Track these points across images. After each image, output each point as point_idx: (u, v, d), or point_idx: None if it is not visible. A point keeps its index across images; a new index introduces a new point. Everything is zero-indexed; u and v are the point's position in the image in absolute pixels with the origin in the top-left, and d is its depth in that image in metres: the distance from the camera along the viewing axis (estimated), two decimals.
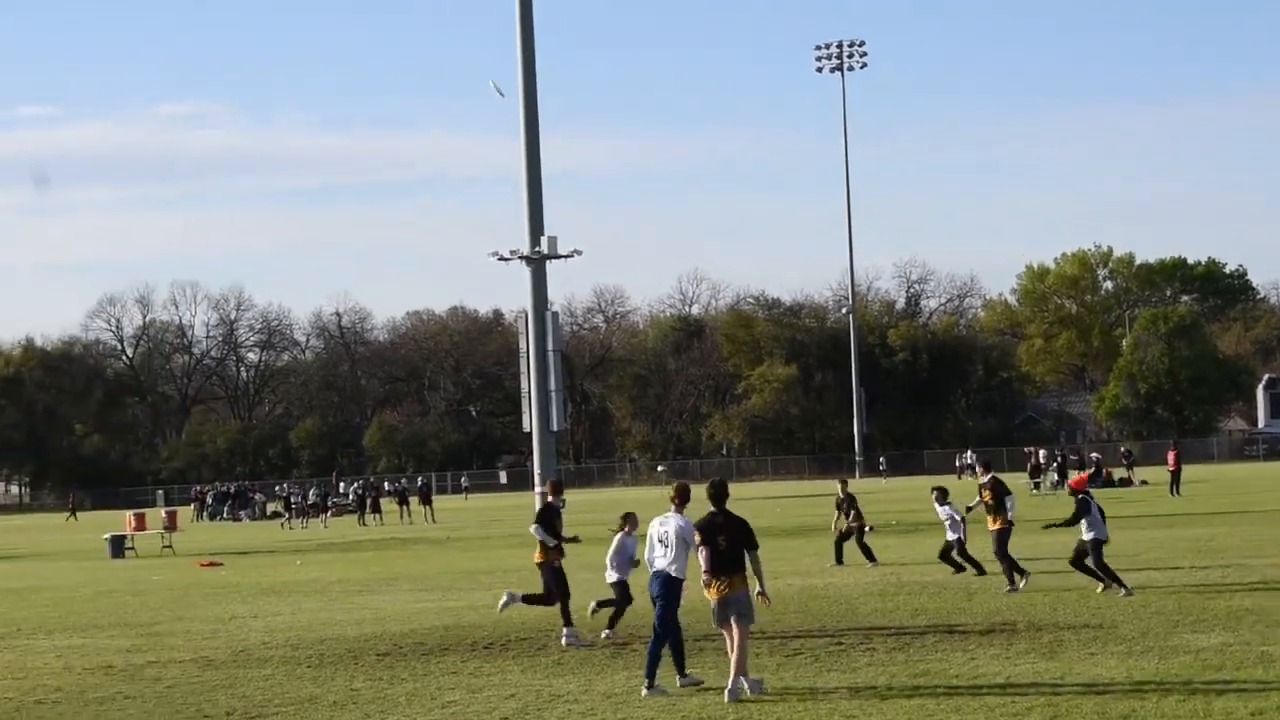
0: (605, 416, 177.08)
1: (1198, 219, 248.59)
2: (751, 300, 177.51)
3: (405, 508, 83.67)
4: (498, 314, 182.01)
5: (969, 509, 31.66)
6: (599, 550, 25.02)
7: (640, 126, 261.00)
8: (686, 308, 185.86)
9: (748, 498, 79.19)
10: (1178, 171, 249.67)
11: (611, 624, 24.43)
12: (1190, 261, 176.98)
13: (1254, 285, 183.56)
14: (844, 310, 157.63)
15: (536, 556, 24.57)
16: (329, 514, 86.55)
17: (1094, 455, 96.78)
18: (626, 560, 24.16)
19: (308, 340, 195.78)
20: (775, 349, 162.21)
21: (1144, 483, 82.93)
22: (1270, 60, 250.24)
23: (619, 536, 24.15)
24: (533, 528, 24.51)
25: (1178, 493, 67.49)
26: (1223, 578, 29.39)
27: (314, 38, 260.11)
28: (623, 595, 24.14)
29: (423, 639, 25.20)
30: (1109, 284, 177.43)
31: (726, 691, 17.97)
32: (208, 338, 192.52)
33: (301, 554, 54.71)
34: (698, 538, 18.37)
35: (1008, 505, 29.36)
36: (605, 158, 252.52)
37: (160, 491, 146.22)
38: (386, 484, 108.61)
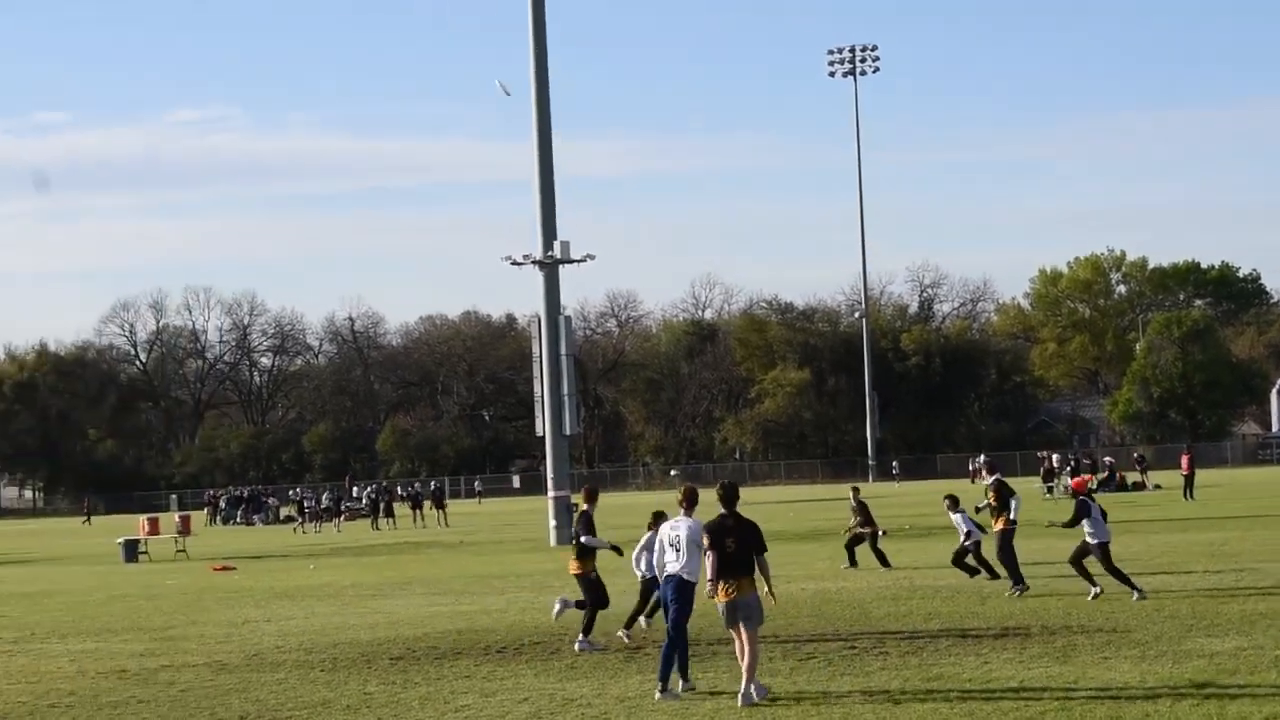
0: (618, 421, 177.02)
1: (1211, 223, 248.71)
2: (764, 304, 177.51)
3: (418, 512, 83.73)
4: (511, 318, 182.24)
5: (978, 510, 31.65)
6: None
7: (653, 131, 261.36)
8: (699, 312, 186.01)
9: (760, 502, 79.12)
10: (1191, 175, 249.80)
11: (629, 623, 24.51)
12: (1204, 265, 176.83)
13: (1267, 289, 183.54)
14: (857, 314, 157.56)
15: (573, 568, 24.45)
16: (342, 518, 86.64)
17: (1107, 459, 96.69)
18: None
19: (321, 345, 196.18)
20: (788, 353, 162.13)
21: (1157, 487, 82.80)
22: None
23: (649, 534, 24.21)
24: (584, 539, 24.29)
25: (1191, 497, 67.39)
26: (1236, 582, 29.34)
27: (326, 43, 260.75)
28: (649, 592, 24.20)
29: (436, 643, 25.20)
30: (1122, 288, 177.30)
31: (740, 696, 17.97)
32: (221, 342, 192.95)
33: (315, 558, 54.74)
34: (706, 540, 18.38)
35: (1012, 505, 29.39)
36: (618, 162, 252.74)
37: (174, 496, 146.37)
38: (399, 488, 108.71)
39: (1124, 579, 27.09)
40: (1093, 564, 27.51)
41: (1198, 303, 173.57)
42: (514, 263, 60.58)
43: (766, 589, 18.50)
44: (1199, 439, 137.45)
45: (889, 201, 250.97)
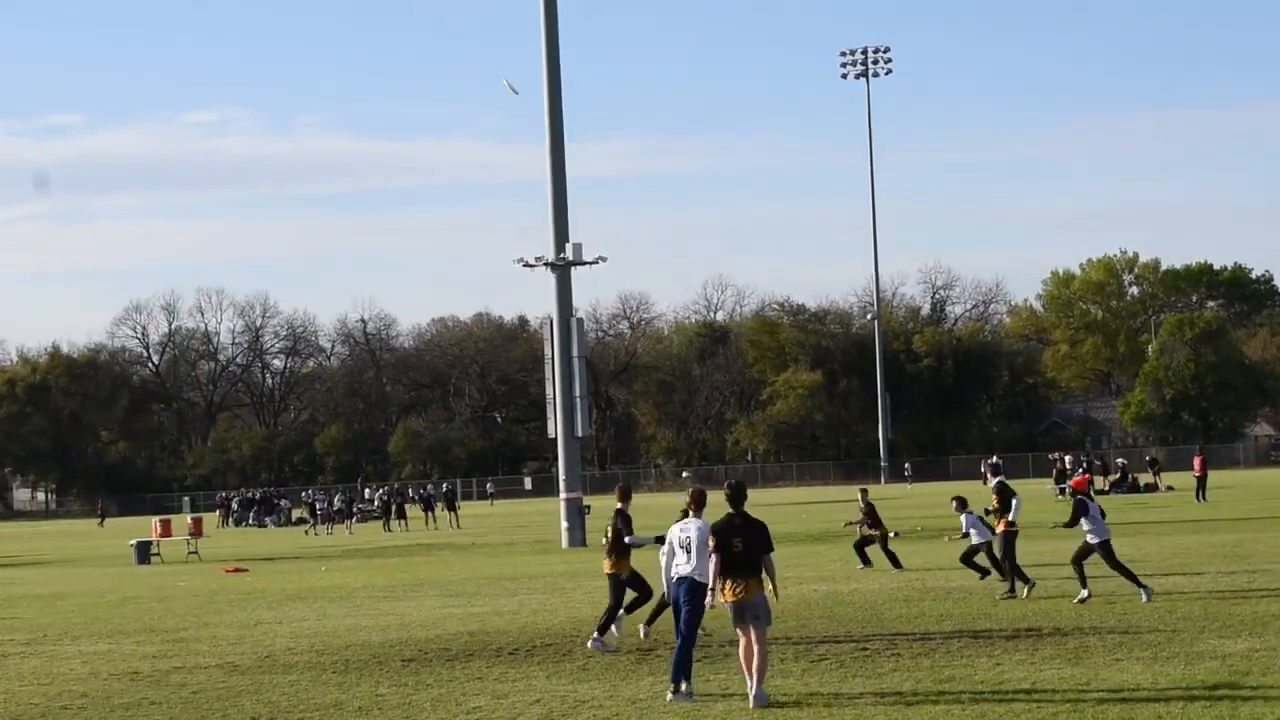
0: (630, 422, 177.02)
1: (1224, 224, 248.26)
2: (776, 306, 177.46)
3: (430, 514, 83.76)
4: (523, 320, 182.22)
5: (988, 512, 31.64)
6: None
7: (665, 133, 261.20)
8: (711, 314, 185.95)
9: (773, 504, 79.12)
10: (1205, 177, 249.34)
11: (651, 620, 24.60)
12: (1216, 267, 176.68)
13: None
14: (869, 316, 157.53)
15: (607, 567, 24.44)
16: (354, 520, 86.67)
17: (1119, 460, 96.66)
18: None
19: (333, 347, 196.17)
20: (800, 355, 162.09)
21: (1170, 488, 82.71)
22: None
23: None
24: (629, 539, 24.32)
25: (1203, 498, 67.36)
26: (1249, 583, 29.32)
27: (334, 45, 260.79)
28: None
29: (448, 645, 25.21)
30: (1134, 289, 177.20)
31: (751, 697, 17.96)
32: (233, 344, 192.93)
33: (327, 560, 54.75)
34: (711, 541, 18.39)
35: (1013, 506, 29.43)
36: (632, 164, 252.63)
37: (186, 498, 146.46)
38: (411, 490, 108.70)
39: (1131, 577, 27.09)
40: (1097, 565, 27.46)
41: (1210, 304, 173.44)
42: (526, 264, 60.59)
43: (771, 588, 18.47)
44: (1211, 440, 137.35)
45: (901, 203, 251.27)
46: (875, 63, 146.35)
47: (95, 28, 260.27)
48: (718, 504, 18.66)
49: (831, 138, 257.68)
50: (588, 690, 19.74)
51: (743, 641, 18.30)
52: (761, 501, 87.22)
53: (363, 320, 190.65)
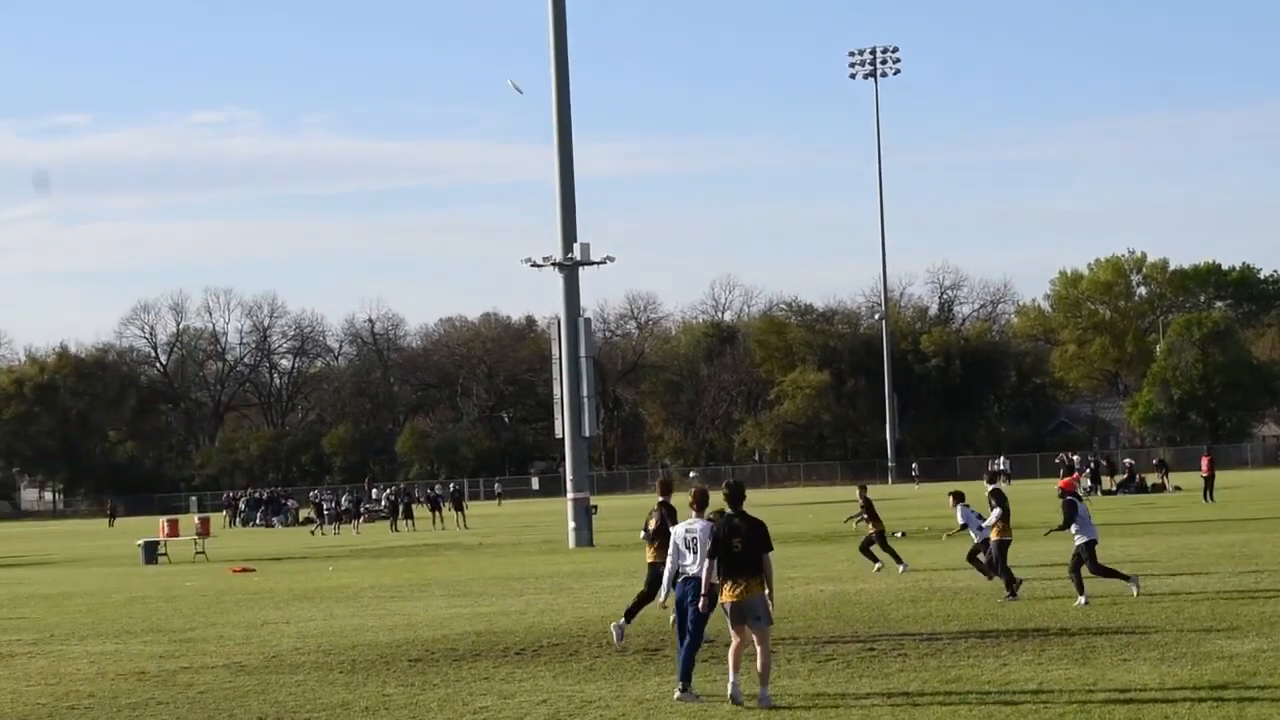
0: (637, 422, 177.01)
1: (1232, 224, 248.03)
2: (784, 306, 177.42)
3: (437, 514, 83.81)
4: (530, 320, 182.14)
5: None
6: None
7: (673, 133, 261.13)
8: (719, 314, 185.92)
9: (780, 504, 79.19)
10: (1213, 177, 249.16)
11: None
12: (1224, 267, 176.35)
13: None
14: (876, 316, 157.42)
15: (650, 555, 24.45)
16: (361, 520, 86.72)
17: (1127, 460, 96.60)
18: None
19: (340, 347, 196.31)
20: (808, 355, 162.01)
21: (1177, 488, 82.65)
22: None
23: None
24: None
25: (1211, 499, 67.30)
26: (1256, 583, 29.30)
27: (345, 45, 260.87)
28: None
29: (455, 645, 25.21)
30: (1142, 290, 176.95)
31: (758, 698, 17.95)
32: (241, 344, 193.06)
33: (334, 560, 54.78)
34: (709, 543, 18.39)
35: (992, 516, 29.50)
36: (639, 163, 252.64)
37: (193, 498, 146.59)
38: (418, 490, 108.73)
39: (1112, 574, 27.16)
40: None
41: (1218, 304, 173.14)
42: (534, 265, 60.59)
43: (767, 590, 18.40)
44: (1219, 441, 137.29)
45: (909, 203, 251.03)
46: (884, 63, 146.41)
47: (101, 28, 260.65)
48: (717, 503, 18.66)
49: (840, 138, 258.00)
50: (594, 690, 19.74)
51: (735, 641, 18.23)
52: (768, 501, 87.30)
53: (370, 320, 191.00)
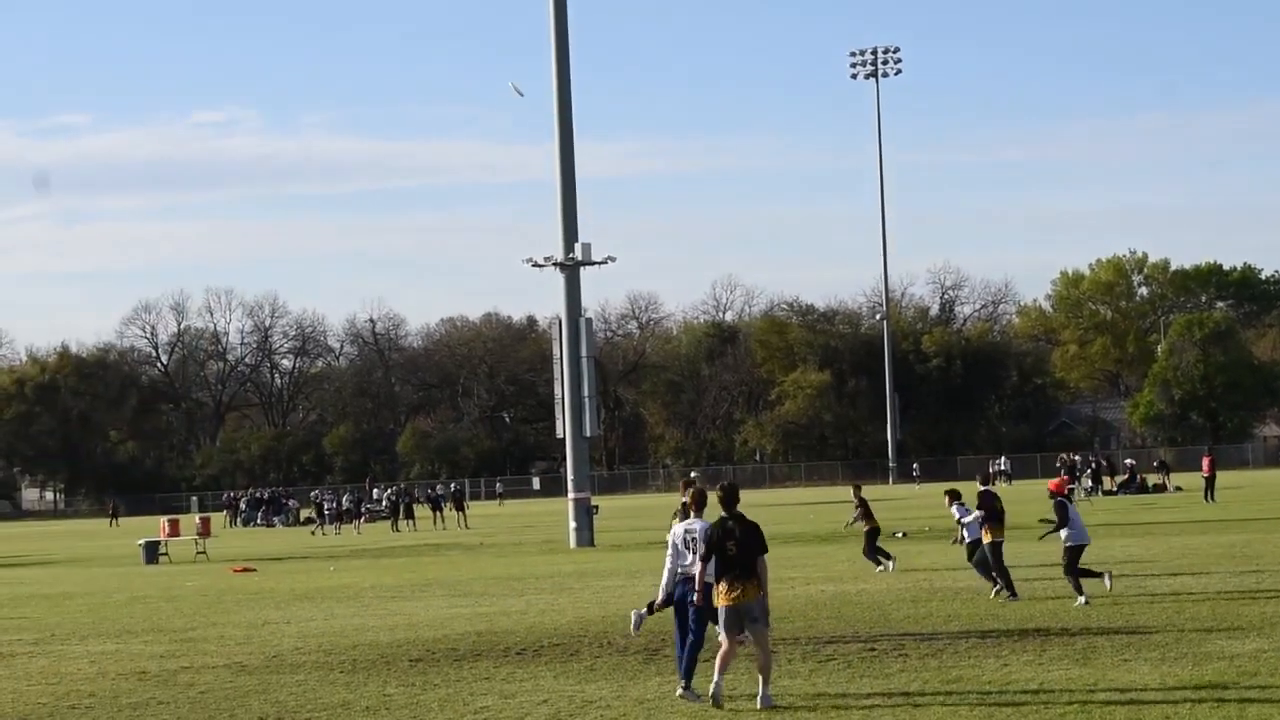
0: (638, 423, 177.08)
1: (1232, 224, 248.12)
2: (785, 306, 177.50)
3: (438, 514, 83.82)
4: (531, 320, 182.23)
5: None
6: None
7: (674, 132, 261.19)
8: (720, 314, 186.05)
9: (781, 504, 79.21)
10: (1213, 177, 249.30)
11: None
12: (1225, 267, 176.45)
13: None
14: (878, 316, 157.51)
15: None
16: (362, 520, 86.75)
17: (1128, 461, 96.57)
18: None
19: (342, 347, 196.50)
20: (809, 355, 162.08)
21: (1178, 489, 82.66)
22: None
23: None
24: None
25: (1212, 499, 67.30)
26: (1257, 584, 29.29)
27: (345, 45, 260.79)
28: None
29: (455, 645, 25.21)
30: (1144, 290, 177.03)
31: (759, 699, 17.94)
32: (242, 344, 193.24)
33: (335, 560, 54.80)
34: (703, 547, 18.40)
35: (972, 516, 29.59)
36: (640, 164, 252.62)
37: (194, 498, 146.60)
38: (419, 490, 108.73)
39: (1085, 574, 27.16)
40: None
41: (1219, 305, 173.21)
42: (535, 264, 60.61)
43: (761, 592, 18.36)
44: (1220, 441, 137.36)
45: (910, 203, 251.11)
46: (885, 63, 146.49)
47: (101, 28, 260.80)
48: (714, 504, 18.68)
49: (840, 138, 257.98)
50: (595, 690, 19.74)
51: (726, 647, 18.14)
52: (769, 502, 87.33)
53: (371, 320, 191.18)
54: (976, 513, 29.45)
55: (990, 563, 28.81)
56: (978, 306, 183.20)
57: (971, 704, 17.54)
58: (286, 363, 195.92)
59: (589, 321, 61.35)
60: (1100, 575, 27.47)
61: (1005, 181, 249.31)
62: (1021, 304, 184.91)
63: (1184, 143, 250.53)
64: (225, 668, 23.62)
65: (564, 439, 60.68)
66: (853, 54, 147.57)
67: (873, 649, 22.35)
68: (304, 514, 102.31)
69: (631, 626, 23.95)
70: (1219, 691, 17.56)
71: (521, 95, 66.27)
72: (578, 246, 59.35)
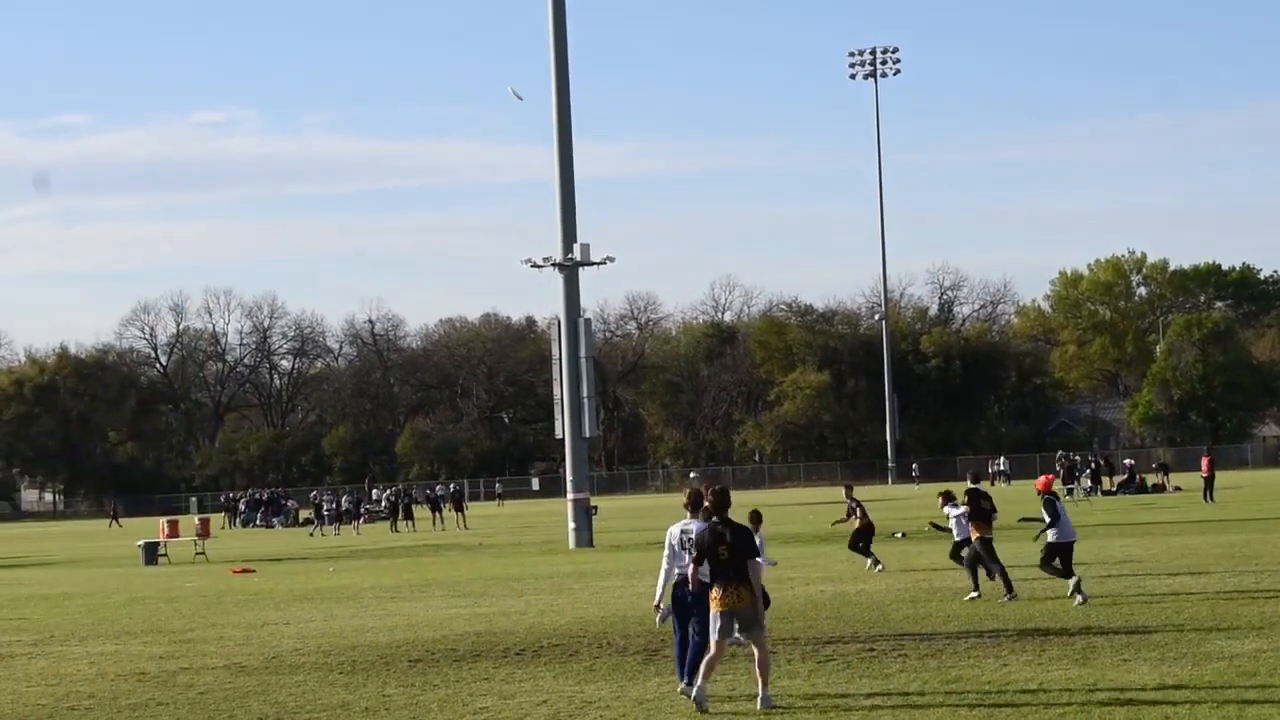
0: (638, 423, 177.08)
1: (1232, 224, 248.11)
2: (784, 307, 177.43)
3: (438, 514, 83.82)
4: (530, 321, 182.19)
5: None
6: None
7: (673, 133, 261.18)
8: (719, 314, 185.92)
9: (780, 504, 79.08)
10: (1212, 177, 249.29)
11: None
12: (1224, 267, 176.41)
13: None
14: (876, 317, 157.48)
15: None
16: (361, 521, 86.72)
17: (1127, 461, 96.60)
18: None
19: (341, 347, 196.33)
20: (808, 355, 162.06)
21: (1177, 489, 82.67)
22: None
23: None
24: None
25: (1211, 499, 67.30)
26: (1256, 584, 29.29)
27: (345, 46, 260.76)
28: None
29: (455, 645, 25.21)
30: (1143, 290, 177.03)
31: (759, 699, 17.94)
32: (241, 345, 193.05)
33: (334, 561, 54.81)
34: (694, 550, 18.40)
35: (959, 523, 29.73)
36: (639, 164, 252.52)
37: (193, 499, 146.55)
38: (418, 490, 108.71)
39: (1054, 575, 27.22)
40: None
41: (1218, 305, 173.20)
42: (534, 265, 60.62)
43: (755, 596, 18.33)
44: (1219, 441, 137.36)
45: (909, 203, 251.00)
46: (884, 63, 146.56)
47: (101, 28, 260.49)
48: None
49: (840, 138, 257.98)
50: (595, 691, 19.74)
51: (713, 652, 18.10)
52: (769, 502, 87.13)
53: (370, 321, 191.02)
54: (962, 508, 29.52)
55: (983, 561, 28.77)
56: (977, 307, 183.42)
57: (971, 704, 17.54)
58: (285, 363, 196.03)
59: (588, 322, 61.37)
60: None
61: (1005, 181, 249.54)
62: (1020, 304, 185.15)
63: (1184, 143, 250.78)
64: (225, 669, 23.63)
65: (563, 439, 60.69)
66: (852, 54, 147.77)
67: (872, 649, 22.35)
68: (303, 515, 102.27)
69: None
70: (1218, 691, 17.57)
71: (520, 100, 66.68)
72: (577, 247, 59.37)
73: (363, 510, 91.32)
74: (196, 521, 74.69)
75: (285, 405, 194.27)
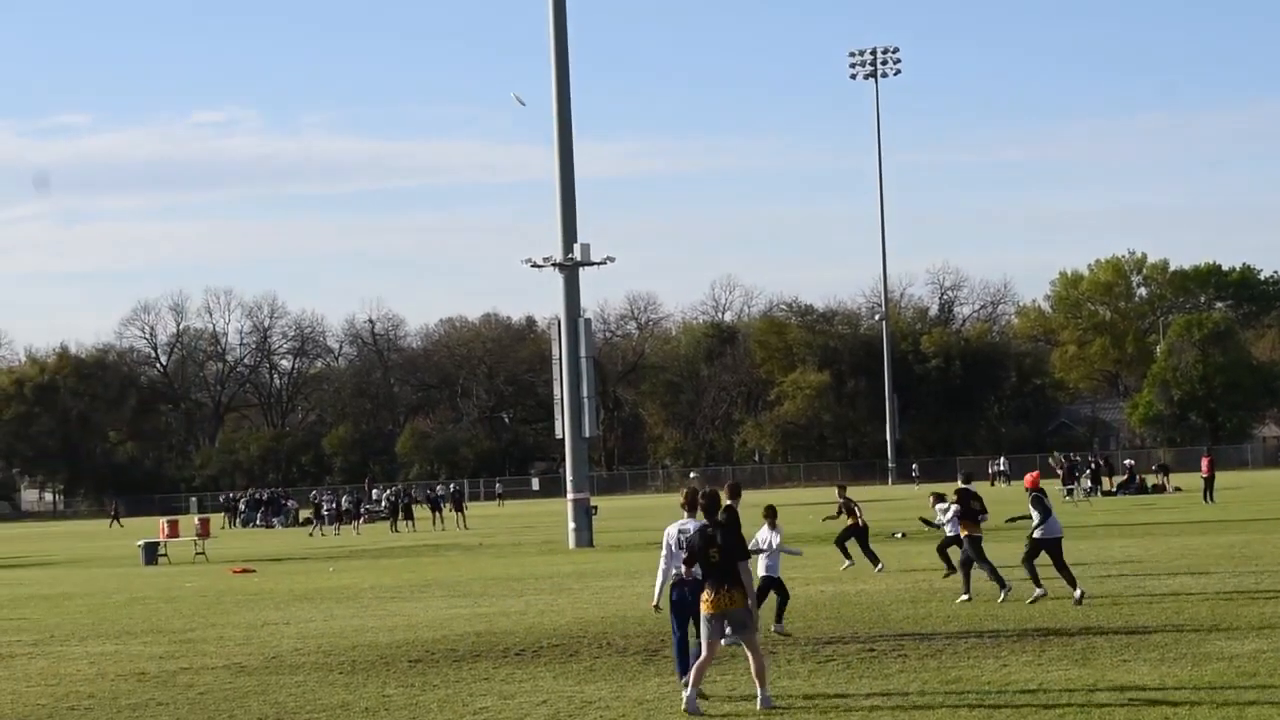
0: (638, 423, 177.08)
1: (1232, 225, 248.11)
2: (784, 307, 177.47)
3: (438, 514, 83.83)
4: (531, 321, 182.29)
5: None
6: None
7: (673, 133, 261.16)
8: (719, 314, 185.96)
9: (780, 504, 78.84)
10: (1213, 177, 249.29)
11: (779, 617, 24.87)
12: (1225, 268, 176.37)
13: None
14: (877, 317, 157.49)
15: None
16: (361, 520, 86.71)
17: (1127, 462, 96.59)
18: (776, 555, 25.07)
19: (341, 347, 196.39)
20: (808, 355, 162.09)
21: (1177, 489, 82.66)
22: None
23: (763, 533, 24.67)
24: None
25: (1211, 499, 67.28)
26: (1256, 584, 29.28)
27: (345, 46, 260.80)
28: (777, 589, 24.95)
29: (455, 645, 25.21)
30: (1143, 290, 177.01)
31: (759, 700, 17.93)
32: (241, 345, 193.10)
33: (334, 561, 54.80)
34: (685, 554, 18.40)
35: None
36: (639, 164, 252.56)
37: (193, 499, 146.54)
38: (418, 490, 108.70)
39: (1033, 575, 27.23)
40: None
41: (1219, 305, 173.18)
42: (534, 265, 60.62)
43: (748, 599, 18.30)
44: (1219, 441, 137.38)
45: (910, 203, 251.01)
46: (884, 63, 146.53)
47: (101, 28, 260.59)
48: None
49: (840, 138, 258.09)
50: (594, 691, 19.73)
51: (705, 656, 18.03)
52: (768, 502, 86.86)
53: (370, 321, 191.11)
54: (954, 508, 29.54)
55: (975, 560, 28.76)
56: (977, 307, 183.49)
57: (971, 704, 17.54)
58: (285, 363, 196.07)
59: (588, 322, 61.36)
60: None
61: (1005, 181, 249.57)
62: (1020, 304, 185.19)
63: (1184, 143, 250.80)
64: (224, 669, 23.62)
65: (563, 439, 60.69)
66: (852, 54, 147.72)
67: (872, 649, 22.35)
68: (303, 515, 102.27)
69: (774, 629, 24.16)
70: (1218, 692, 17.57)
71: (523, 104, 66.82)
72: (577, 247, 59.37)
73: (363, 510, 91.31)
74: (196, 521, 74.69)
75: (285, 405, 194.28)
